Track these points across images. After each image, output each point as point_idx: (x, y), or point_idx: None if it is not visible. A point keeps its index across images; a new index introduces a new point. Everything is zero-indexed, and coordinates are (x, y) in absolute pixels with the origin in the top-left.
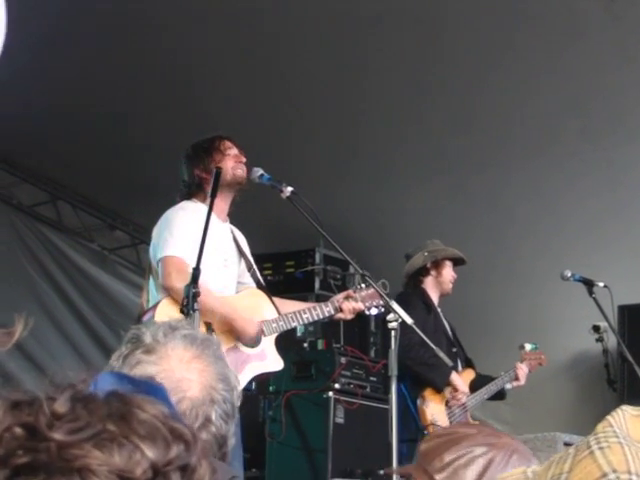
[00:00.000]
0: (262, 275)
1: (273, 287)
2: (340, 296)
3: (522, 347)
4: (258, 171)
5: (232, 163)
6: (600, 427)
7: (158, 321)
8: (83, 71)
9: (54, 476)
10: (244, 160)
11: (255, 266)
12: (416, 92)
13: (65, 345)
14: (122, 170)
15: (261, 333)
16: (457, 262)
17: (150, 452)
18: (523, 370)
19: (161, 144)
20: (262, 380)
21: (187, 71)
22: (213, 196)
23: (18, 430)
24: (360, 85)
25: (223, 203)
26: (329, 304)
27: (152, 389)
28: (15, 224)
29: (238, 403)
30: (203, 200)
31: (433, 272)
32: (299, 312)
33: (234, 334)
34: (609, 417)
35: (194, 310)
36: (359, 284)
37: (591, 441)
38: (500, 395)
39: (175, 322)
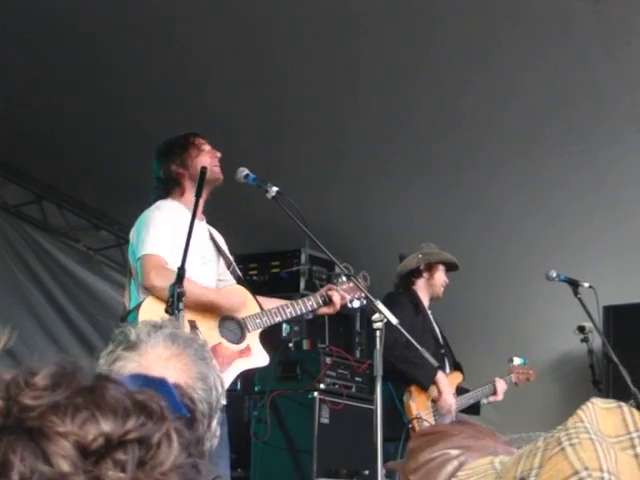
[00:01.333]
0: (247, 275)
1: (258, 287)
2: (323, 290)
3: (510, 360)
4: (243, 171)
5: (209, 159)
6: (571, 422)
7: (147, 320)
8: (70, 70)
9: (7, 436)
10: (219, 155)
11: (234, 263)
12: (402, 92)
13: (50, 345)
14: (107, 170)
15: (244, 305)
16: (450, 267)
17: (105, 421)
18: (502, 385)
19: (147, 144)
20: (247, 377)
21: (177, 71)
22: (198, 195)
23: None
24: (347, 85)
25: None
26: (311, 298)
27: (158, 384)
28: (0, 224)
29: (221, 403)
30: (179, 197)
31: (426, 274)
32: (282, 307)
33: (220, 311)
34: (579, 411)
35: (179, 310)
36: (340, 277)
37: (562, 437)
38: (475, 410)
39: (162, 321)
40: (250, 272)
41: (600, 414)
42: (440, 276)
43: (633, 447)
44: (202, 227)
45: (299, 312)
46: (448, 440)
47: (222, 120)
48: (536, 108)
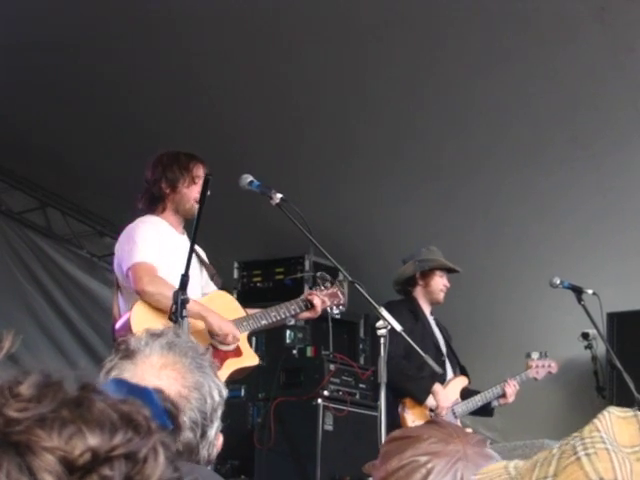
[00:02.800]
0: (252, 282)
1: (262, 294)
2: (304, 295)
3: (528, 355)
4: (247, 178)
5: (195, 195)
6: (587, 431)
7: (150, 328)
8: (73, 78)
9: None
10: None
11: (216, 273)
12: (409, 99)
13: (53, 351)
14: (111, 177)
15: (235, 331)
16: (451, 269)
17: (93, 436)
18: (512, 387)
19: (152, 151)
20: (251, 383)
21: (185, 78)
22: (202, 203)
23: None
24: (354, 93)
25: (176, 219)
26: (294, 303)
27: (142, 392)
28: (4, 231)
29: (219, 411)
30: (159, 213)
31: (421, 282)
32: (266, 310)
33: (208, 332)
34: (596, 420)
35: (182, 317)
36: (319, 284)
37: (578, 446)
38: (487, 412)
39: (162, 330)
40: (254, 279)
41: (616, 423)
42: (437, 282)
43: None
44: (182, 240)
45: (282, 316)
46: (417, 446)
47: (230, 126)
48: (541, 115)
